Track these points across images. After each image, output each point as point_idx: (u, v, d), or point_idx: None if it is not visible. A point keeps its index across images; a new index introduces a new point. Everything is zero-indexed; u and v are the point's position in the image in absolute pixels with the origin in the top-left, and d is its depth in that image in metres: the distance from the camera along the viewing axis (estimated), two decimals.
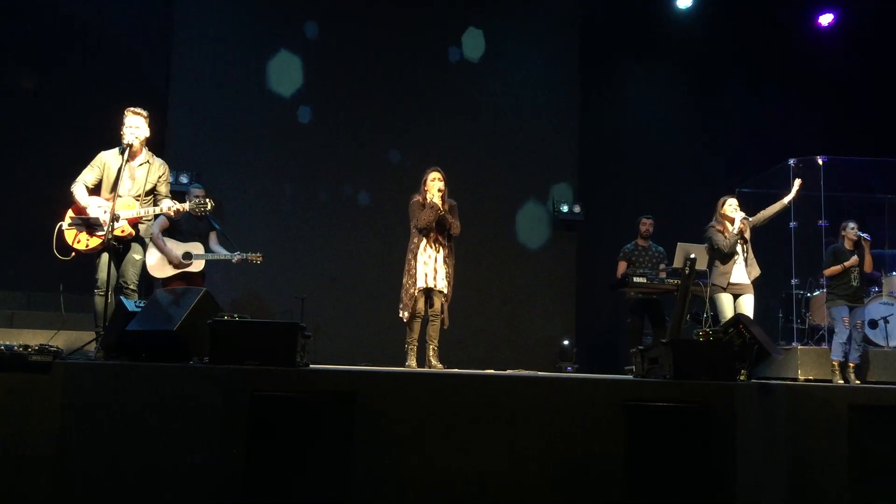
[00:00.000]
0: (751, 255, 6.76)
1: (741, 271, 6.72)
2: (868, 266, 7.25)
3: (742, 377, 4.71)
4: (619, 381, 4.67)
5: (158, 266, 6.36)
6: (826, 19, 10.15)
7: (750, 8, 9.90)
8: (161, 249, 6.35)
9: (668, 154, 9.99)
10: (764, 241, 6.98)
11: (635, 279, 7.45)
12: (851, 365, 7.08)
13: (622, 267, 7.75)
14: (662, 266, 7.69)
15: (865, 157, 8.61)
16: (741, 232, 6.68)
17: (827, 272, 7.32)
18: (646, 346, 4.99)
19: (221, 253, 6.64)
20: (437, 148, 9.04)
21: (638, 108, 10.20)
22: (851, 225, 7.33)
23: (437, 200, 6.06)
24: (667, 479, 4.04)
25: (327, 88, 9.18)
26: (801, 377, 7.19)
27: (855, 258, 7.20)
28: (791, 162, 8.45)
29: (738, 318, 5.22)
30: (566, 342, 9.15)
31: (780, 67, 10.01)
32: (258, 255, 6.59)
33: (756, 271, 6.74)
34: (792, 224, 8.13)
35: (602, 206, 9.68)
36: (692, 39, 10.04)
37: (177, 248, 6.45)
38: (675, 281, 7.23)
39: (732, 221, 6.73)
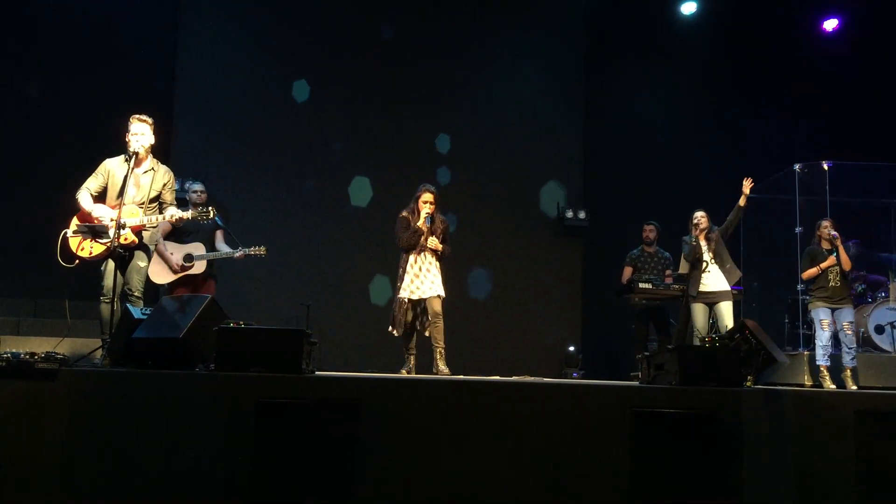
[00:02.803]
0: (724, 261, 6.88)
1: (713, 279, 6.84)
2: (846, 264, 6.90)
3: (748, 383, 4.69)
4: (625, 387, 4.67)
5: (159, 272, 6.21)
6: (830, 25, 10.13)
7: (754, 13, 9.89)
8: (162, 255, 6.22)
9: (673, 159, 9.96)
10: (769, 247, 6.96)
11: (641, 284, 7.44)
12: (847, 370, 6.73)
13: (628, 272, 7.73)
14: (668, 272, 7.67)
15: (871, 162, 8.57)
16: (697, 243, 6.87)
17: (805, 276, 7.11)
18: (651, 352, 4.98)
19: (224, 251, 6.46)
20: (443, 153, 9.05)
21: (643, 113, 10.18)
22: (824, 223, 7.08)
23: (422, 225, 6.13)
24: (674, 486, 4.03)
25: (332, 94, 9.20)
26: (808, 383, 7.14)
27: (832, 258, 6.91)
28: (796, 167, 8.45)
29: (744, 323, 5.22)
30: (571, 348, 9.13)
31: (785, 72, 9.99)
32: (261, 248, 6.34)
33: (735, 276, 6.87)
34: (797, 229, 8.10)
35: (607, 211, 9.66)
36: (697, 45, 10.04)
37: (177, 251, 6.32)
38: (681, 287, 7.22)
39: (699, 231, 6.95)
